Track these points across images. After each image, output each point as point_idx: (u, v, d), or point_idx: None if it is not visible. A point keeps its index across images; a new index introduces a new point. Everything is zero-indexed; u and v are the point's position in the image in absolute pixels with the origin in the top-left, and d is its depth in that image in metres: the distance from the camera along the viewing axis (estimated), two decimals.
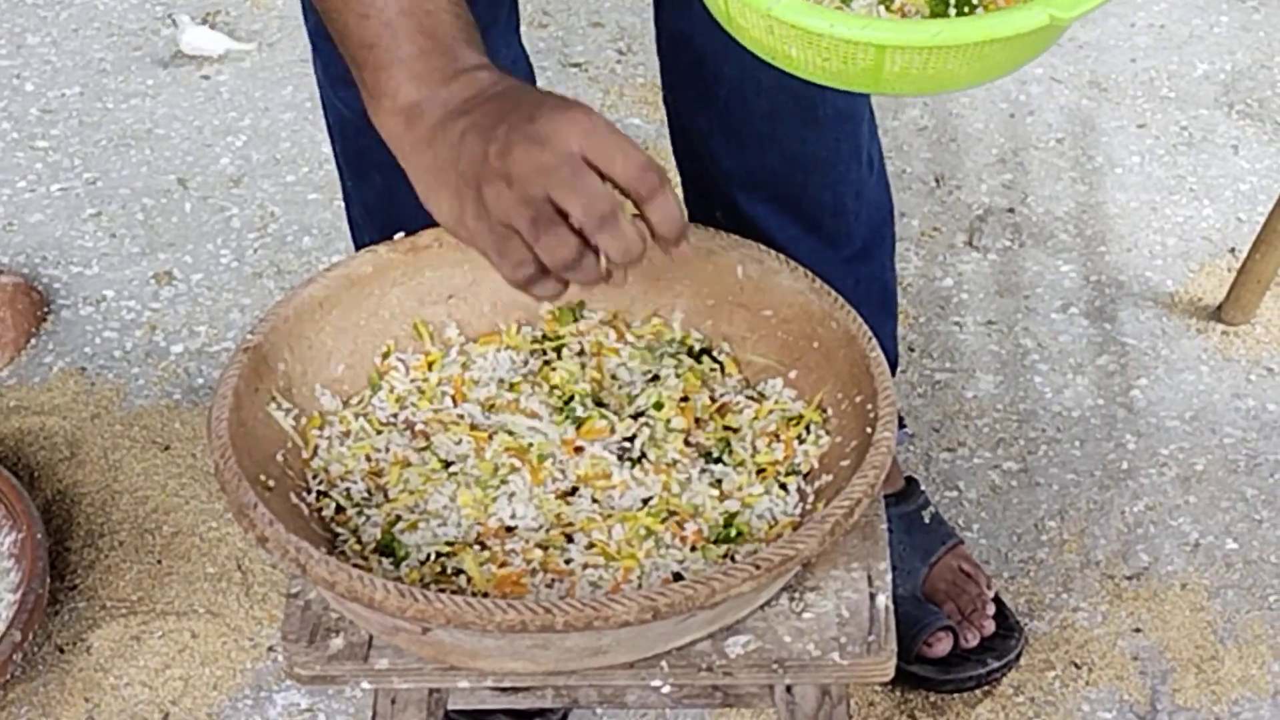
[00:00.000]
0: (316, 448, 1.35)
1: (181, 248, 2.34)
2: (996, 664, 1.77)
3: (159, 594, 1.88)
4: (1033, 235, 2.32)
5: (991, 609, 1.81)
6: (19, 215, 2.39)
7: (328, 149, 2.47)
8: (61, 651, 1.83)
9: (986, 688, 1.77)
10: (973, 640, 1.79)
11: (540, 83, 2.54)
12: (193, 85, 2.62)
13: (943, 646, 1.77)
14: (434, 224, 1.23)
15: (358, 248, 1.78)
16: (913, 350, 2.14)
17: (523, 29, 1.71)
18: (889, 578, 1.30)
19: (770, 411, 1.37)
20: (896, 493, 1.85)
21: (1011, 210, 2.36)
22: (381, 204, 1.67)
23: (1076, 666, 1.80)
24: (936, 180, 2.41)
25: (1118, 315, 2.19)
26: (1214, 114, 2.51)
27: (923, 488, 1.89)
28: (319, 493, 1.32)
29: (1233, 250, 2.27)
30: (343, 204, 1.78)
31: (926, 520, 1.84)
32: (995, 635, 1.80)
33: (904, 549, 1.81)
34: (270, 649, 1.83)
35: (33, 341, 2.20)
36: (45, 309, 2.23)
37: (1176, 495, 1.97)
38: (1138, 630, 1.83)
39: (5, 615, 1.77)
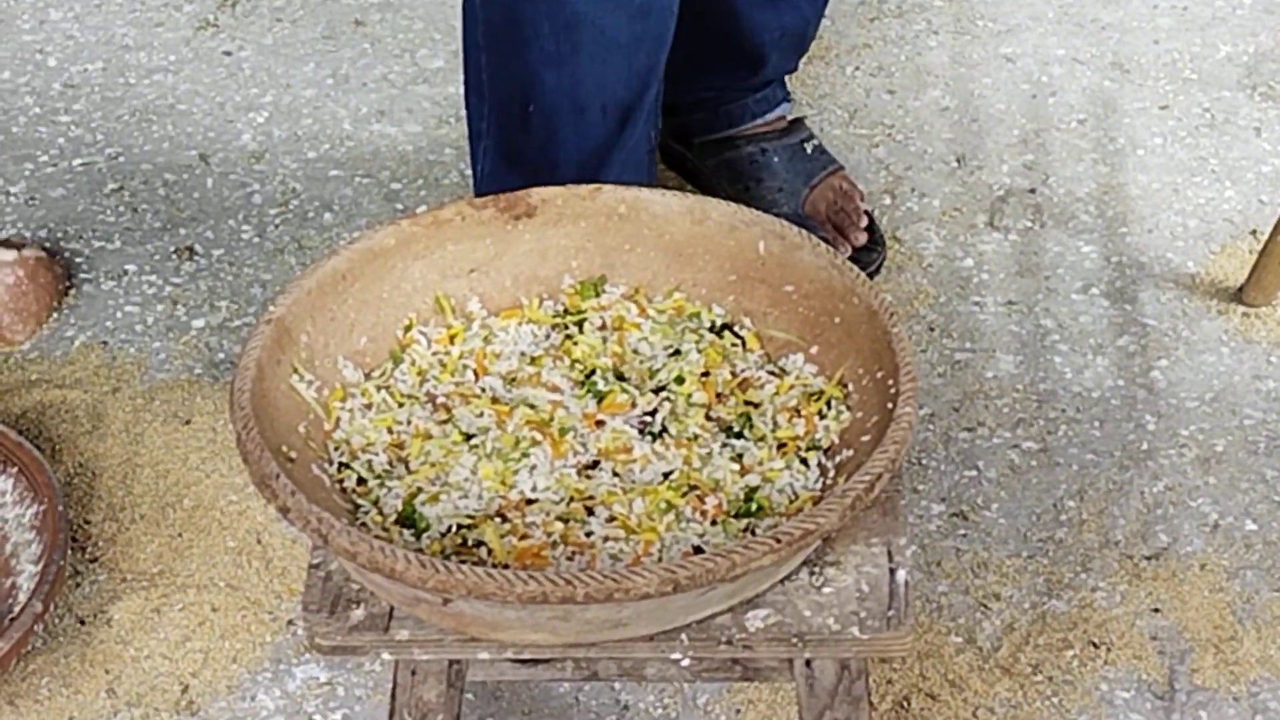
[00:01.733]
0: (338, 419, 1.35)
1: (203, 223, 2.34)
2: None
3: (179, 567, 1.88)
4: (1054, 216, 2.31)
5: (864, 221, 2.06)
6: (41, 190, 2.40)
7: (350, 125, 2.50)
8: (82, 623, 1.83)
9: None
10: (846, 251, 2.04)
11: None
12: (215, 61, 2.62)
13: None
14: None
15: (476, 151, 1.89)
16: (933, 330, 2.14)
17: None
18: (909, 553, 1.31)
19: (791, 387, 1.38)
20: (781, 129, 2.08)
21: (1033, 191, 2.35)
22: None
23: (1095, 646, 1.80)
24: (958, 160, 2.40)
25: (1138, 296, 2.19)
26: (1236, 96, 2.51)
27: (808, 125, 2.11)
28: (340, 464, 1.33)
29: (1254, 232, 2.27)
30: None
31: (809, 151, 2.05)
32: (864, 248, 2.08)
33: (787, 174, 2.03)
34: (290, 622, 1.84)
35: (54, 315, 2.20)
36: (67, 283, 2.24)
37: (1196, 476, 1.97)
38: (1156, 610, 1.83)
39: (27, 587, 1.78)
